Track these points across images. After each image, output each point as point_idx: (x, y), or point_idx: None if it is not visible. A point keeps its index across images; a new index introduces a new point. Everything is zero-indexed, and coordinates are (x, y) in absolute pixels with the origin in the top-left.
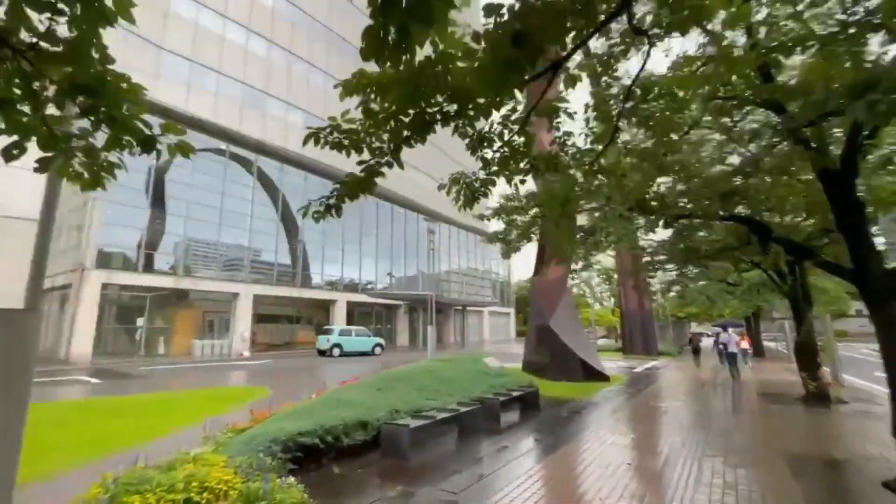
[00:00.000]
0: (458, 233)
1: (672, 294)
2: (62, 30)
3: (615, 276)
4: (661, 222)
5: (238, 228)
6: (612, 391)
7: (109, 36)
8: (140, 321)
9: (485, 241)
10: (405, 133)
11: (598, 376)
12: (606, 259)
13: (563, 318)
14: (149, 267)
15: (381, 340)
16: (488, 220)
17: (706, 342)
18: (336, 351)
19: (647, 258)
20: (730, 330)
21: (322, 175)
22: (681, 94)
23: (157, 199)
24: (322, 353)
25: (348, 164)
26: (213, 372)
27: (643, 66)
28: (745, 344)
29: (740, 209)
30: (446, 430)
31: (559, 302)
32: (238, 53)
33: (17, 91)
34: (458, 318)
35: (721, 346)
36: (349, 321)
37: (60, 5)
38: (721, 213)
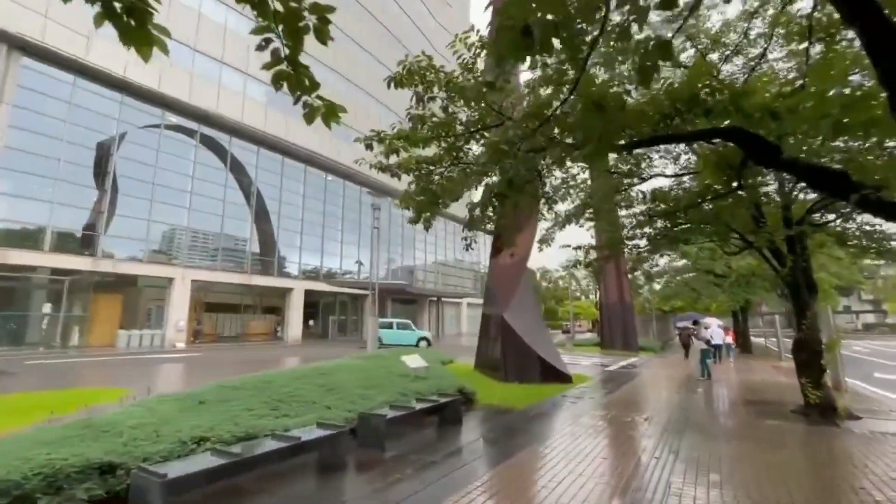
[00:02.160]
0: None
1: (657, 286)
2: None
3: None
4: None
5: (176, 206)
6: (570, 396)
7: None
8: (46, 308)
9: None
10: None
11: (559, 377)
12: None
13: (520, 308)
14: (61, 247)
15: (428, 334)
16: (369, 147)
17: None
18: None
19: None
20: (713, 322)
21: (272, 149)
22: None
23: (77, 171)
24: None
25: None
26: (113, 367)
27: None
28: (728, 339)
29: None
30: (276, 468)
31: (516, 288)
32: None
33: None
34: (433, 310)
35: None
36: (310, 311)
37: None
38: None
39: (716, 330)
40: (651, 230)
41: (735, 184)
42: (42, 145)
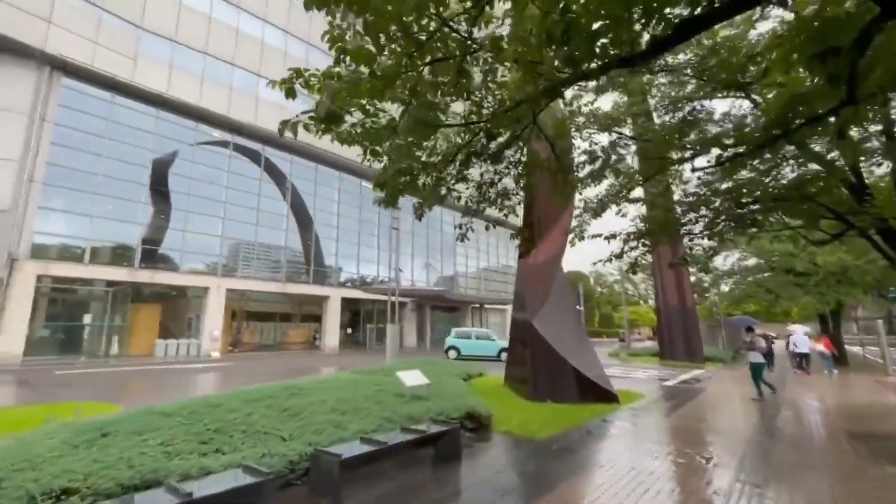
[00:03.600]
0: (476, 225)
1: (725, 287)
2: None
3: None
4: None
5: (211, 216)
6: (611, 421)
7: None
8: (87, 318)
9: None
10: None
11: (601, 395)
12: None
13: (553, 314)
14: (101, 259)
15: None
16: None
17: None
18: (452, 353)
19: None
20: (798, 328)
21: (307, 157)
22: None
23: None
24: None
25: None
26: (135, 377)
27: None
28: (821, 346)
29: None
30: None
31: (549, 290)
32: None
33: None
34: (476, 317)
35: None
36: (349, 319)
37: None
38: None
39: (800, 337)
40: (709, 211)
41: (845, 93)
42: (82, 161)
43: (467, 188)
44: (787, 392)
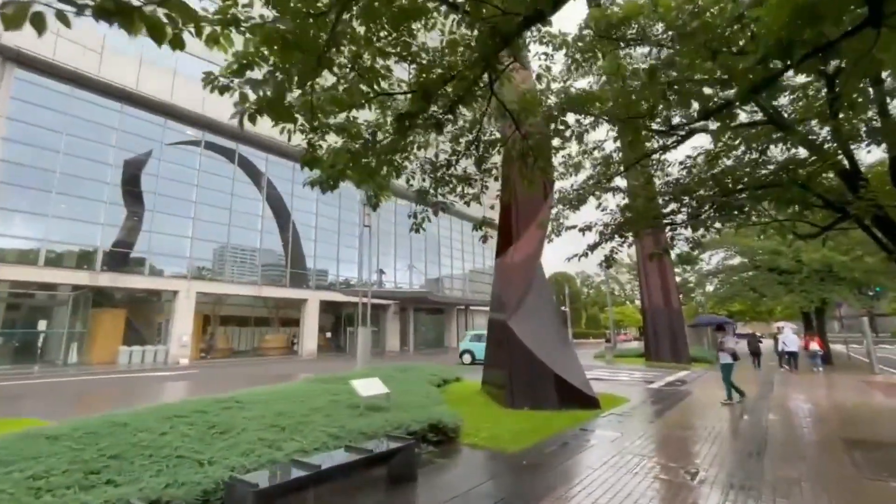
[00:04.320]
0: (461, 225)
1: (709, 287)
2: None
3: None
4: None
5: (180, 217)
6: (590, 430)
7: None
8: (42, 325)
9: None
10: None
11: (583, 401)
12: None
13: (531, 313)
14: (58, 262)
15: None
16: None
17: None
18: (467, 358)
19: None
20: (787, 327)
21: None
22: None
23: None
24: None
25: None
26: (99, 387)
27: None
28: (814, 344)
29: None
30: None
31: (527, 289)
32: None
33: None
34: (461, 319)
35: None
36: (331, 323)
37: None
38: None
39: (790, 336)
40: (692, 199)
41: (866, 9)
42: (40, 158)
43: (425, 170)
44: (776, 392)
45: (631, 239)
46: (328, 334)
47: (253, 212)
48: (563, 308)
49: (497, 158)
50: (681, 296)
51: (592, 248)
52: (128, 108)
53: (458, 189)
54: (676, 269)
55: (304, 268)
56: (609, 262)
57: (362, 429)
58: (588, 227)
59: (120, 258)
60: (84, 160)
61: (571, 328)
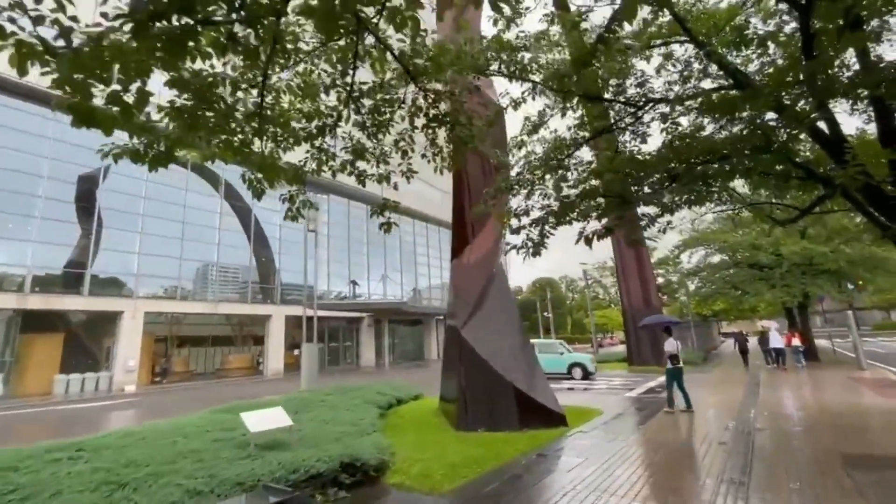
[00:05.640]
0: (438, 231)
1: (691, 286)
2: None
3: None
4: None
5: (125, 231)
6: (551, 455)
7: None
8: None
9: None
10: None
11: (548, 417)
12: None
13: (488, 320)
14: None
15: (587, 358)
16: None
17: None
18: None
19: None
20: (771, 324)
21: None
22: None
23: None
24: None
25: None
26: (20, 422)
27: None
28: (796, 340)
29: None
30: None
31: (484, 293)
32: None
33: None
34: (440, 330)
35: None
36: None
37: None
38: None
39: (774, 334)
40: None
41: None
42: None
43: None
44: (763, 395)
45: (604, 221)
46: (296, 351)
47: (209, 223)
48: (545, 314)
49: (402, 126)
50: (665, 297)
51: (555, 221)
52: (61, 116)
53: (350, 166)
54: (659, 270)
55: (269, 282)
56: (587, 240)
57: (241, 478)
58: (526, 212)
59: (53, 278)
60: (9, 171)
61: (555, 334)
